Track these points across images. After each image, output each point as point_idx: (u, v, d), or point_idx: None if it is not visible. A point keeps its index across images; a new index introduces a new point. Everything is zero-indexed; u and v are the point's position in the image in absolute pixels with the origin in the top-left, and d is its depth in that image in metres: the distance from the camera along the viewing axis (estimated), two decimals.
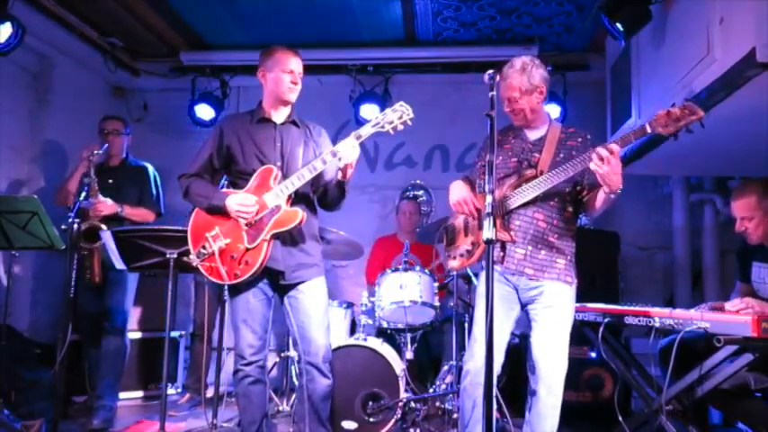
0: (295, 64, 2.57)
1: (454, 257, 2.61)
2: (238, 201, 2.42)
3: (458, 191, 2.52)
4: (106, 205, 3.48)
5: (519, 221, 2.39)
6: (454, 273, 3.57)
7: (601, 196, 2.28)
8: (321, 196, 2.66)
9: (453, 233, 2.66)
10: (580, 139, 2.44)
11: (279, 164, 2.52)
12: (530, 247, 2.37)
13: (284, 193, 2.42)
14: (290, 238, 2.50)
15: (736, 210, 2.69)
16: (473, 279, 3.68)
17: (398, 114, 2.42)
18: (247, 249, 2.41)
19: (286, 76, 2.55)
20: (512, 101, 2.41)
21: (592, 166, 2.15)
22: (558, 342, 2.34)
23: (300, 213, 2.42)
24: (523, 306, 2.43)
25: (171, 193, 3.75)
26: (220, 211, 2.45)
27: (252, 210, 2.41)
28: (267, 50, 2.61)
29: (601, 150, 2.13)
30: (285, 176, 2.48)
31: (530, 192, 2.35)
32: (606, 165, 2.11)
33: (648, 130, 2.17)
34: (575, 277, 2.43)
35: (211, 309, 4.06)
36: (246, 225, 2.43)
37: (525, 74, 2.38)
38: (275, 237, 2.43)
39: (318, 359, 2.48)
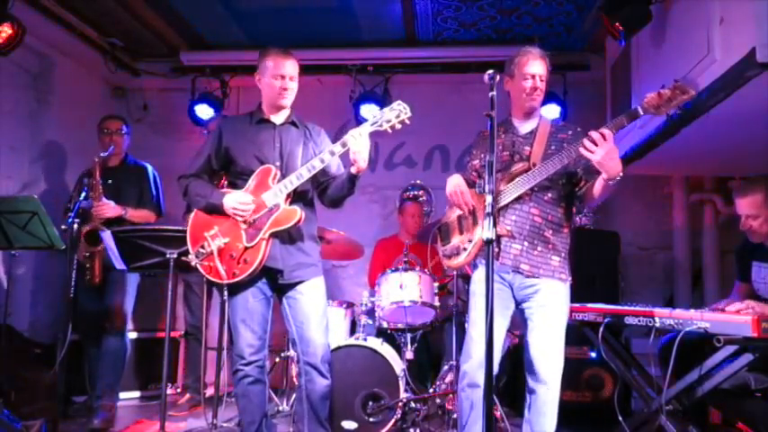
0: (286, 68, 2.52)
1: (449, 256, 2.61)
2: (235, 199, 2.42)
3: (455, 183, 2.51)
4: (110, 208, 3.48)
5: (515, 216, 2.39)
6: (454, 272, 3.57)
7: (600, 184, 2.28)
8: (324, 190, 2.64)
9: (447, 231, 2.65)
10: (571, 132, 2.46)
11: (278, 164, 2.51)
12: (526, 243, 2.38)
13: (283, 192, 2.42)
14: (289, 238, 2.50)
15: (742, 207, 2.66)
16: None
17: (396, 113, 2.41)
18: (246, 248, 2.41)
19: (276, 81, 2.51)
20: (542, 78, 2.45)
21: (582, 152, 2.17)
22: (555, 340, 2.34)
23: (299, 212, 2.42)
24: (518, 304, 2.43)
25: (171, 194, 3.75)
26: (219, 210, 2.45)
27: (249, 208, 2.40)
28: (261, 54, 2.58)
29: (592, 133, 2.16)
30: (284, 176, 2.47)
31: (524, 184, 2.35)
32: (600, 148, 2.13)
33: (641, 112, 2.22)
34: (569, 274, 2.44)
35: (203, 309, 4.05)
36: (245, 224, 2.43)
37: (546, 59, 2.47)
38: (274, 235, 2.43)
39: (317, 359, 2.48)
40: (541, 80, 2.44)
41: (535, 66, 2.43)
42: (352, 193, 2.58)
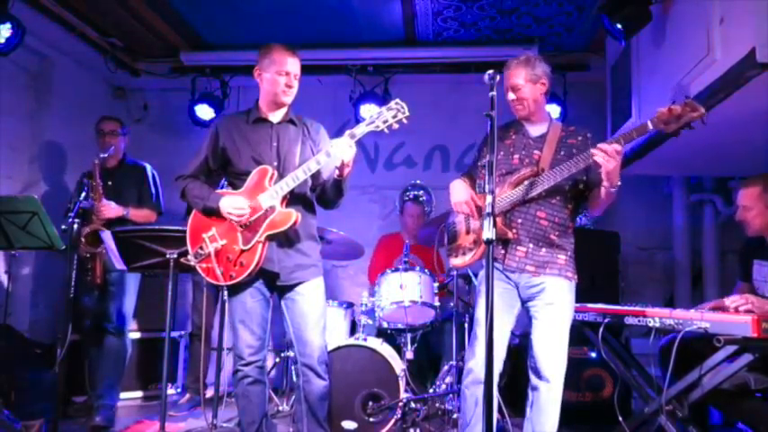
0: (292, 65, 2.50)
1: (456, 255, 2.62)
2: (231, 203, 2.40)
3: (458, 192, 2.53)
4: (111, 208, 3.47)
5: (521, 219, 2.40)
6: (454, 273, 3.57)
7: (602, 192, 2.31)
8: (319, 194, 2.64)
9: (454, 232, 2.66)
10: (580, 138, 2.47)
11: (275, 164, 2.50)
12: (531, 245, 2.39)
13: (279, 194, 2.40)
14: (287, 239, 2.48)
15: (740, 198, 2.75)
16: (473, 279, 3.67)
17: (393, 113, 2.36)
18: (242, 251, 2.40)
19: (281, 78, 2.49)
20: (515, 89, 2.44)
21: (599, 159, 2.19)
22: (559, 339, 2.36)
23: (294, 214, 2.40)
24: (524, 302, 2.44)
25: (171, 194, 3.75)
26: (216, 213, 2.45)
27: (244, 212, 2.39)
28: (265, 48, 2.55)
29: (607, 148, 2.18)
30: (282, 176, 2.45)
31: (532, 189, 2.36)
32: (614, 161, 2.18)
33: (650, 126, 2.21)
34: (575, 272, 2.44)
35: (210, 309, 4.06)
36: (241, 226, 2.42)
37: (529, 65, 2.44)
38: (270, 238, 2.42)
39: (314, 360, 2.47)
40: (517, 89, 2.44)
41: (510, 77, 2.45)
42: (342, 196, 2.57)
